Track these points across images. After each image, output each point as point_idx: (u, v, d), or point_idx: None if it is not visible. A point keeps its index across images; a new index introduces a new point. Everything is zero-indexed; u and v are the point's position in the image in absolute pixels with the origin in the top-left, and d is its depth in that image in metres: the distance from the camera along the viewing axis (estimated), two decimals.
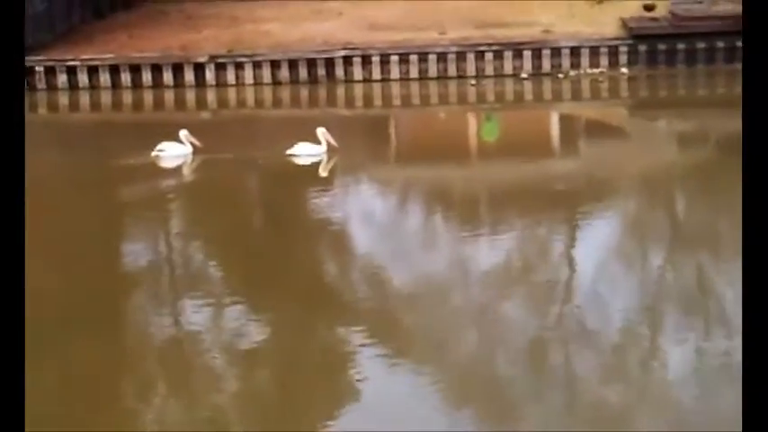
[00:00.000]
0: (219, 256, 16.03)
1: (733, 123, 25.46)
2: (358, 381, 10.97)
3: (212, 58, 31.09)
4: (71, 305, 13.42)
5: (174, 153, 22.24)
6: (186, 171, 21.92)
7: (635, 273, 14.42)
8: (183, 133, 22.17)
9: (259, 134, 26.70)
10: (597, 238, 16.11)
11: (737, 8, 32.14)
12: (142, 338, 12.64)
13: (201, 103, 30.00)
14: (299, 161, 21.58)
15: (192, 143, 22.11)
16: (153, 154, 22.15)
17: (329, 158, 21.63)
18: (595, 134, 26.34)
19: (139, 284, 14.65)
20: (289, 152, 21.82)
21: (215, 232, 17.43)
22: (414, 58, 30.95)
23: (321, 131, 21.78)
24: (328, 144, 21.77)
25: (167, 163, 22.02)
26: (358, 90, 30.67)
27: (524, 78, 30.49)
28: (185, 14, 35.79)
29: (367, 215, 18.31)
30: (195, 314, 13.14)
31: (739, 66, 30.18)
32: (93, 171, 21.90)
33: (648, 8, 32.41)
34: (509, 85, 30.23)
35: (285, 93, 30.73)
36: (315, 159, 21.63)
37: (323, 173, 21.21)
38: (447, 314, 12.87)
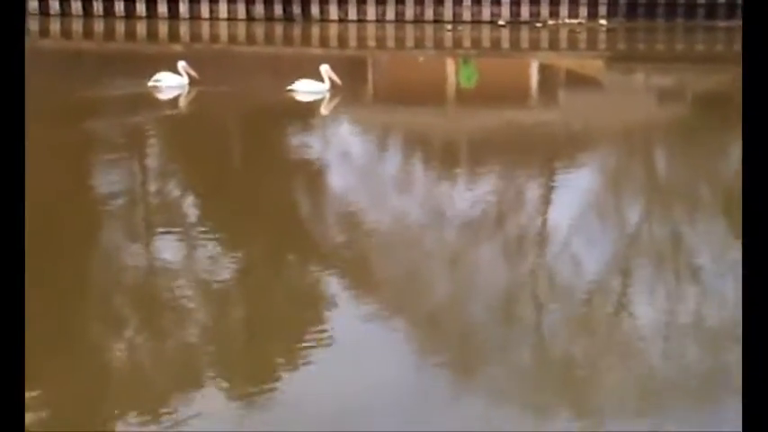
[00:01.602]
0: (201, 190, 15.73)
1: (709, 79, 25.37)
2: (327, 322, 10.83)
3: None
4: (34, 233, 13.15)
5: (171, 83, 21.73)
6: (182, 102, 21.41)
7: (610, 224, 14.27)
8: (182, 64, 21.66)
9: (253, 69, 26.37)
10: (574, 188, 15.90)
11: None
12: (108, 270, 12.39)
13: (174, 36, 29.57)
14: (300, 98, 21.06)
15: (189, 74, 21.64)
16: (150, 84, 21.62)
17: (332, 96, 21.15)
18: (572, 85, 26.13)
19: (110, 215, 14.35)
20: (289, 88, 21.24)
21: (203, 166, 17.11)
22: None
23: (324, 68, 21.15)
24: (332, 82, 21.24)
25: (164, 93, 21.53)
26: (333, 30, 30.32)
27: (502, 25, 30.23)
28: None
29: (349, 156, 18.03)
30: (165, 247, 12.89)
31: (720, 23, 30.11)
32: (87, 100, 21.35)
33: None
34: (486, 32, 29.97)
35: (259, 29, 30.33)
36: (317, 96, 21.10)
37: (324, 111, 20.77)
38: (420, 259, 12.68)
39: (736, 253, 13.02)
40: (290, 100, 20.85)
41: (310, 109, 20.67)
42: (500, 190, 15.80)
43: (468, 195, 15.31)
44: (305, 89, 21.13)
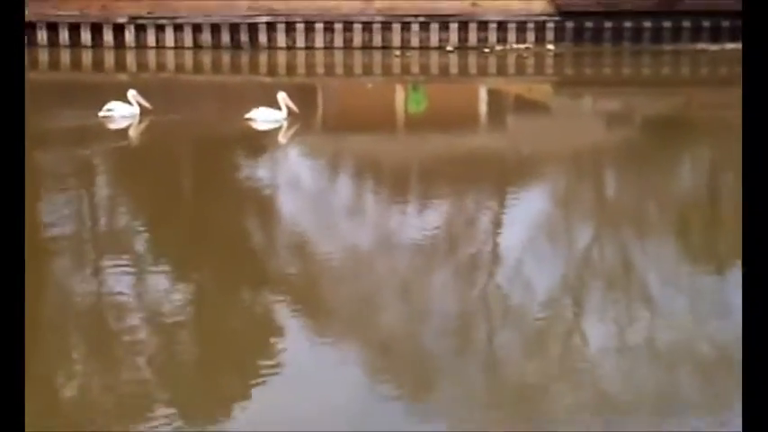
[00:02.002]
0: (156, 221, 15.63)
1: (657, 103, 25.60)
2: (279, 351, 10.79)
3: (132, 19, 30.54)
4: None
5: (123, 113, 21.41)
6: (135, 132, 21.14)
7: (561, 247, 14.32)
8: (132, 93, 21.35)
9: (202, 97, 26.34)
10: (524, 212, 15.98)
11: None
12: (56, 302, 12.28)
13: (120, 65, 29.44)
14: (258, 126, 20.90)
15: (140, 104, 21.36)
16: (101, 114, 21.31)
17: (290, 124, 21.01)
18: (521, 109, 26.29)
19: (59, 245, 14.21)
20: (247, 116, 21.04)
21: (159, 197, 16.99)
22: (339, 26, 30.74)
23: (282, 96, 20.96)
24: (289, 110, 21.04)
25: (115, 123, 21.25)
26: (281, 57, 30.33)
27: (450, 51, 30.36)
28: None
29: (303, 184, 17.98)
30: (115, 279, 12.79)
31: (665, 46, 30.44)
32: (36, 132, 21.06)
33: None
34: (434, 58, 30.09)
35: (207, 58, 30.27)
36: (274, 125, 20.95)
37: (282, 139, 20.68)
38: (371, 285, 12.69)
39: (686, 275, 13.15)
40: (247, 128, 20.74)
41: (268, 137, 20.61)
42: (451, 215, 15.83)
43: (420, 221, 15.33)
44: (263, 117, 21.00)
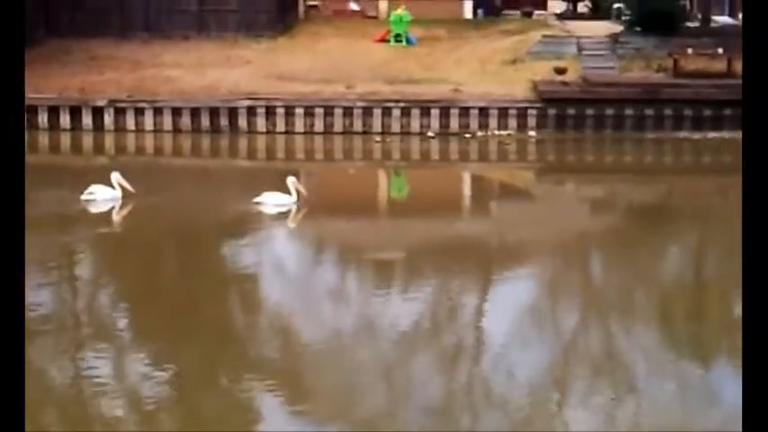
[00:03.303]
0: (144, 307, 15.64)
1: (640, 190, 25.81)
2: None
3: (111, 102, 30.73)
4: None
5: (105, 196, 21.45)
6: (119, 217, 21.22)
7: (545, 335, 14.39)
8: (115, 176, 21.49)
9: (183, 180, 26.53)
10: (508, 299, 16.11)
11: (648, 76, 32.82)
12: (42, 387, 12.27)
13: (99, 148, 29.54)
14: (267, 210, 21.11)
15: (122, 187, 21.44)
16: (83, 197, 21.41)
17: (299, 209, 21.22)
18: (503, 196, 26.47)
19: (41, 332, 14.15)
20: (256, 200, 21.28)
21: (150, 282, 17.06)
22: (319, 111, 30.94)
23: (291, 181, 21.30)
24: (298, 193, 21.31)
25: (98, 207, 21.34)
26: (261, 142, 30.49)
27: (431, 137, 30.57)
28: (89, 55, 35.31)
29: (284, 268, 18.05)
30: (98, 364, 12.81)
31: (648, 134, 30.72)
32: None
33: (560, 71, 32.83)
34: (415, 144, 30.28)
35: (186, 141, 30.40)
36: (283, 209, 21.20)
37: (291, 223, 21.00)
38: (353, 371, 12.76)
39: (671, 364, 13.19)
40: (255, 212, 21.00)
41: (275, 221, 20.91)
42: (433, 302, 15.88)
43: (403, 307, 15.38)
44: (272, 202, 21.26)
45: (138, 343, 13.84)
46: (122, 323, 14.83)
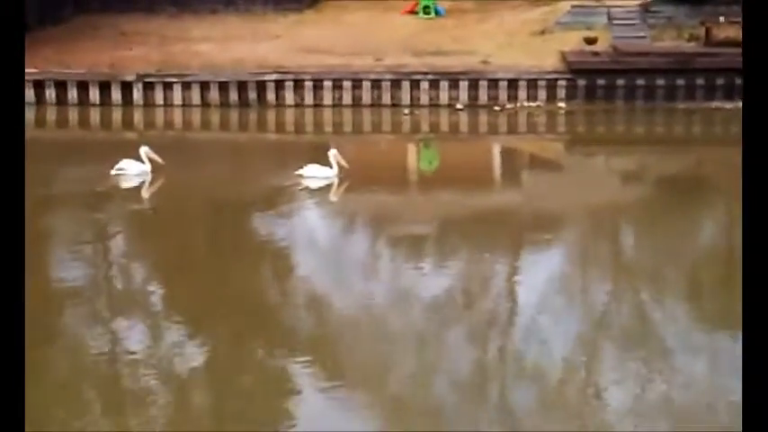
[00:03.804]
0: (178, 278, 15.78)
1: (670, 162, 25.68)
2: (294, 407, 10.92)
3: (140, 77, 30.82)
4: None
5: (135, 171, 21.56)
6: (149, 192, 21.26)
7: (577, 305, 14.41)
8: (144, 149, 21.59)
9: (212, 154, 26.75)
10: (542, 270, 16.15)
11: (679, 45, 32.59)
12: (76, 359, 12.41)
13: (128, 123, 29.64)
14: (308, 183, 21.19)
15: (152, 160, 21.54)
16: (113, 172, 21.52)
17: (341, 181, 21.31)
18: (534, 168, 26.41)
19: (76, 305, 14.28)
20: (298, 173, 21.41)
21: (185, 254, 17.18)
22: (347, 84, 30.94)
23: (333, 153, 21.40)
24: (340, 166, 21.39)
25: (128, 181, 21.46)
26: (289, 115, 30.49)
27: (460, 109, 30.51)
28: (118, 30, 35.46)
29: (320, 242, 18.08)
30: (132, 337, 12.95)
31: (679, 104, 30.53)
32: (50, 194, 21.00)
33: (590, 41, 32.68)
34: (444, 116, 30.22)
35: (215, 115, 30.44)
36: (325, 182, 21.26)
37: (333, 197, 21.02)
38: (388, 343, 12.85)
39: (701, 335, 13.17)
40: (285, 187, 21.05)
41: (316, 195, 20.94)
42: (467, 273, 15.95)
43: (437, 279, 15.45)
44: (313, 174, 21.32)
45: (206, 317, 13.89)
46: (184, 300, 14.88)
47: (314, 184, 21.09)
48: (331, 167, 21.34)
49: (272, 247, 17.51)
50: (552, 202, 20.80)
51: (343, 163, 21.40)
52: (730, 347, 12.86)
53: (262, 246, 17.59)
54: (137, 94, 30.75)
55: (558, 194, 21.62)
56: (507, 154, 27.81)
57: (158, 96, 30.87)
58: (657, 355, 12.42)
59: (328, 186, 21.07)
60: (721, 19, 33.52)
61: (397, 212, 20.17)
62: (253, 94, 30.89)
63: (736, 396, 11.04)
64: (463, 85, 30.97)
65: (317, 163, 21.41)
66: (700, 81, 30.96)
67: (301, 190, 20.78)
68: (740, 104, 30.40)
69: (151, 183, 21.39)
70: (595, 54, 32.08)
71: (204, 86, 30.90)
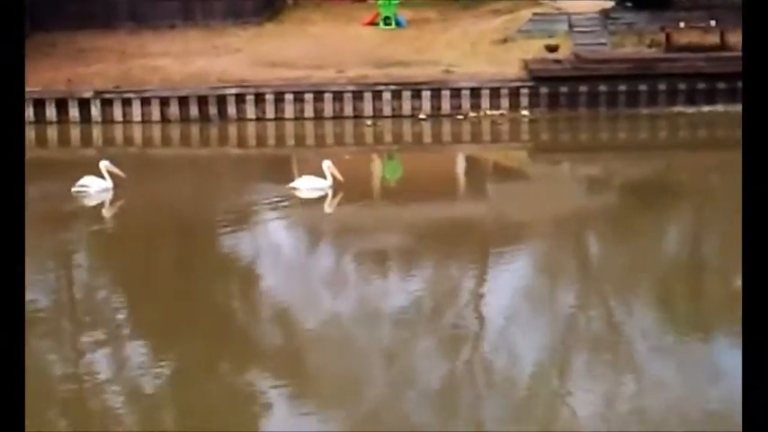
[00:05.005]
0: (148, 295, 15.58)
1: (635, 167, 25.68)
2: (262, 423, 10.81)
3: (98, 93, 30.58)
4: None
5: (97, 187, 21.23)
6: (110, 210, 21.02)
7: (545, 314, 14.32)
8: (104, 164, 21.31)
9: (175, 170, 26.52)
10: (508, 279, 16.05)
11: (640, 51, 32.68)
12: (41, 379, 12.21)
13: (86, 141, 29.39)
14: (302, 195, 21.03)
15: (112, 174, 21.24)
16: (74, 190, 21.21)
17: (335, 193, 21.10)
18: (498, 176, 26.33)
19: (38, 325, 14.05)
20: (291, 185, 21.29)
21: (155, 270, 17.00)
22: (309, 96, 30.84)
23: (327, 165, 21.21)
24: (334, 178, 21.20)
25: (90, 199, 21.17)
26: (251, 129, 30.34)
27: (423, 119, 30.44)
28: (75, 47, 35.12)
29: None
30: (97, 356, 12.76)
31: (642, 110, 30.60)
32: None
33: (551, 49, 32.68)
34: (407, 126, 30.15)
35: (175, 131, 30.25)
36: (319, 194, 21.03)
37: (328, 209, 20.76)
38: (354, 356, 12.75)
39: (670, 339, 13.10)
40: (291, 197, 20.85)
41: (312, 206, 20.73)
42: (433, 284, 15.83)
43: (403, 290, 15.32)
44: (307, 186, 21.17)
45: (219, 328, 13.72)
46: (176, 314, 14.67)
47: (307, 196, 20.95)
48: (325, 179, 21.17)
49: (238, 264, 17.35)
50: (517, 211, 20.71)
51: (338, 174, 21.19)
52: (700, 352, 12.82)
53: (223, 262, 17.43)
54: (95, 111, 30.52)
55: (524, 203, 21.53)
56: (471, 163, 27.71)
57: (117, 113, 30.66)
58: (625, 362, 12.36)
59: (317, 199, 20.86)
60: (681, 24, 33.66)
61: (364, 225, 20.05)
62: (213, 109, 30.73)
63: (707, 401, 11.00)
64: (426, 94, 30.93)
65: (278, 179, 21.17)
66: (661, 86, 31.04)
67: (279, 203, 20.60)
68: (702, 109, 30.57)
69: (112, 200, 21.11)
70: (557, 62, 32.13)
71: (164, 102, 30.72)
